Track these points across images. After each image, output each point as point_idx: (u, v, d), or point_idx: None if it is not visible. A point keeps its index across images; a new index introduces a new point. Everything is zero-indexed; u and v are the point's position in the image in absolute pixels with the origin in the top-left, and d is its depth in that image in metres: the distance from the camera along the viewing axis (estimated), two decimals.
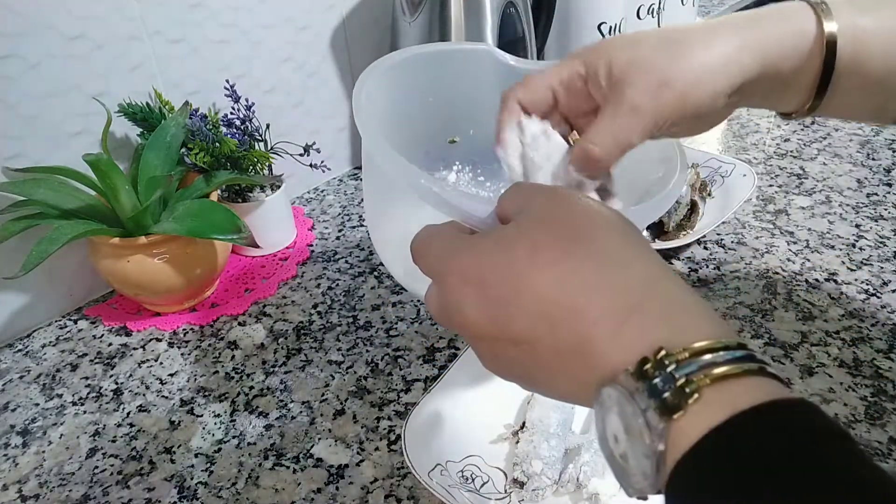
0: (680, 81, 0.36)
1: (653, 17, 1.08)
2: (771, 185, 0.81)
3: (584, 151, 0.37)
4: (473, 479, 0.47)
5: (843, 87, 0.38)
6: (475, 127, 0.58)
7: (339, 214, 0.82)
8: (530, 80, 0.40)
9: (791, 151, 0.88)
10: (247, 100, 0.70)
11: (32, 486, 0.51)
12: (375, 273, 0.72)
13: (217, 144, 0.66)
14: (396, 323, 0.65)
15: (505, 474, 0.48)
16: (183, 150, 0.67)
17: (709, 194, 0.76)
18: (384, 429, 0.54)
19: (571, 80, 0.39)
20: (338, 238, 0.78)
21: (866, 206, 0.77)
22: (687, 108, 0.36)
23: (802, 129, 0.93)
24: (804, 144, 0.90)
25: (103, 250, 0.61)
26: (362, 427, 0.54)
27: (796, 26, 0.37)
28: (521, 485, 0.47)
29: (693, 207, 0.73)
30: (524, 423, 0.51)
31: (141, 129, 0.67)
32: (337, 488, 0.49)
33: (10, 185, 0.60)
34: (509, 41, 0.78)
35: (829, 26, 0.37)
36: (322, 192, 0.87)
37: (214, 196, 0.67)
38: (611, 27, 1.01)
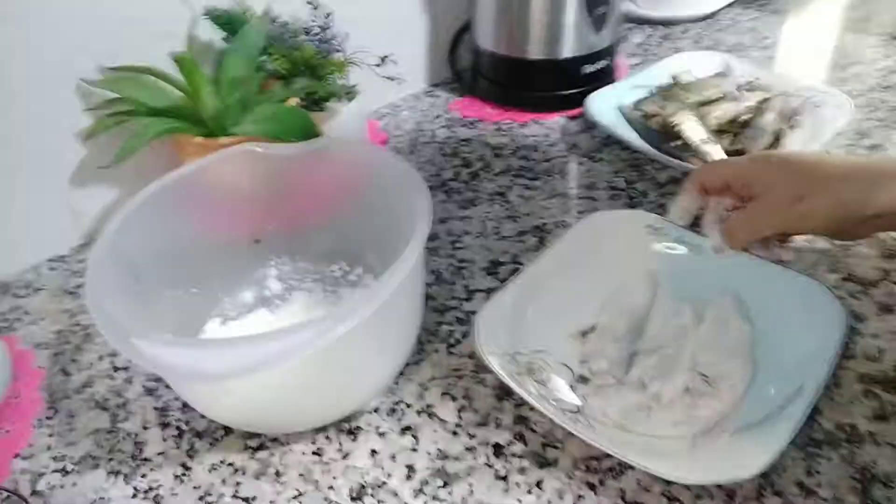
0: (811, 202, 0.44)
1: None
2: (869, 119, 0.76)
3: (727, 230, 0.49)
4: (541, 371, 0.49)
5: None
6: (275, 220, 0.58)
7: (413, 130, 0.83)
8: (710, 169, 0.52)
9: None
10: (326, 7, 0.70)
11: None
12: (445, 188, 0.72)
13: (296, 51, 0.67)
14: (462, 236, 0.66)
15: (571, 371, 0.49)
16: (263, 57, 0.68)
17: (797, 124, 0.72)
18: (444, 332, 0.56)
19: (739, 178, 0.49)
20: (411, 153, 0.79)
21: None
22: (813, 222, 0.46)
23: None
24: None
25: (187, 149, 0.64)
26: (424, 329, 0.56)
27: None
28: (586, 381, 0.48)
29: (778, 137, 0.70)
30: (594, 326, 0.52)
31: (224, 34, 0.68)
32: (396, 383, 0.52)
33: (105, 82, 0.63)
34: None
35: None
36: (397, 107, 0.88)
37: (292, 103, 0.68)
38: None
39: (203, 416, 0.50)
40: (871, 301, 0.55)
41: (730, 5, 1.05)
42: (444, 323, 0.57)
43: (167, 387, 0.53)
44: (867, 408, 0.47)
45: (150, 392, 0.53)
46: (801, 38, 0.96)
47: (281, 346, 0.36)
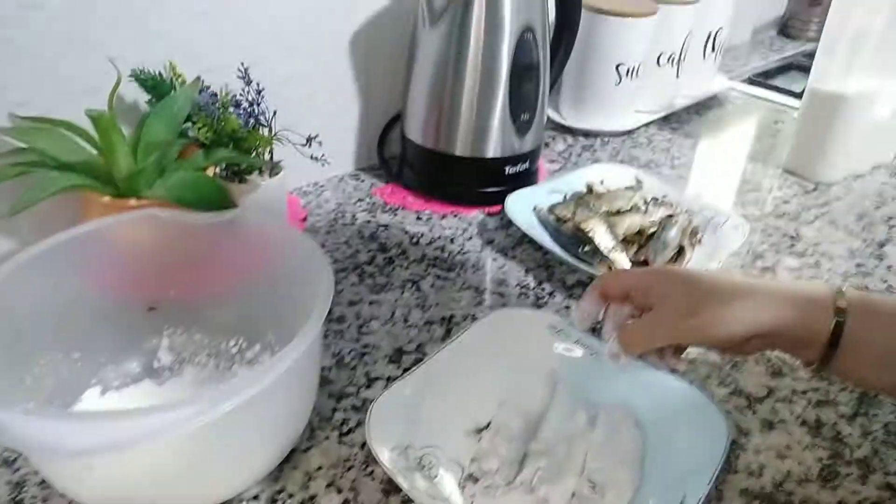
0: (702, 318, 0.47)
1: (672, 66, 1.10)
2: (763, 243, 0.82)
3: (623, 337, 0.51)
4: (430, 468, 0.47)
5: (852, 354, 0.46)
6: (174, 288, 0.56)
7: (334, 210, 0.83)
8: (613, 277, 0.55)
9: (788, 213, 0.89)
10: (258, 84, 0.71)
11: None
12: (358, 271, 0.72)
13: (221, 121, 0.67)
14: (370, 321, 0.65)
15: (462, 469, 0.49)
16: (188, 124, 0.68)
17: (699, 241, 0.77)
18: (338, 419, 0.54)
19: (638, 287, 0.51)
20: (328, 233, 0.79)
21: (854, 275, 0.77)
22: (705, 336, 0.48)
23: (805, 194, 0.94)
24: (803, 209, 0.90)
25: (94, 208, 0.61)
26: (316, 415, 0.54)
27: (812, 296, 0.47)
28: (475, 480, 0.47)
29: (680, 252, 0.73)
30: (489, 423, 0.51)
31: (150, 97, 0.68)
32: (280, 470, 0.49)
33: (13, 130, 0.61)
34: (524, 66, 0.79)
35: (841, 301, 0.46)
36: (321, 186, 0.88)
37: (211, 172, 0.68)
38: (628, 69, 1.03)
39: (63, 495, 0.46)
40: (756, 417, 0.57)
41: (647, 124, 1.12)
42: (338, 409, 0.55)
43: (27, 459, 0.49)
44: None
45: (6, 464, 0.48)
46: (709, 162, 1.03)
47: (152, 424, 0.34)
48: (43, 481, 0.47)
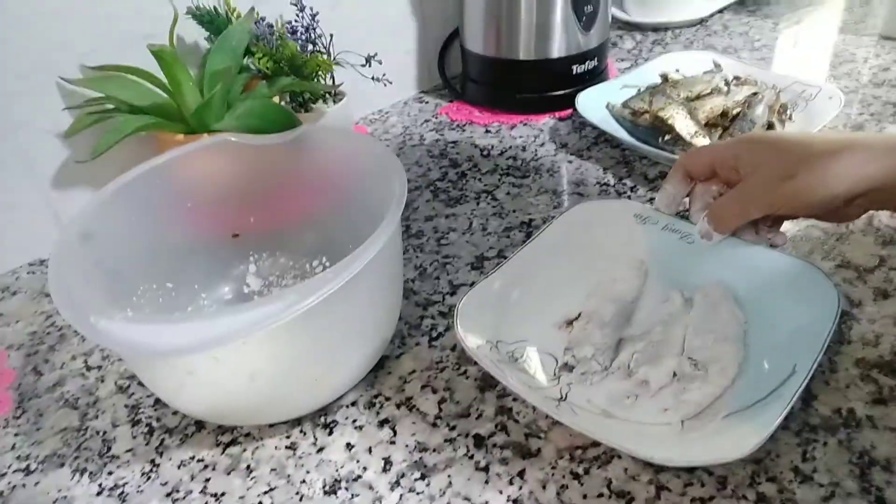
0: (800, 179, 0.44)
1: None
2: (862, 114, 0.75)
3: (713, 213, 0.49)
4: (524, 360, 0.47)
5: None
6: (255, 214, 0.57)
7: (401, 134, 0.82)
8: (696, 154, 0.51)
9: (890, 80, 0.81)
10: (311, 8, 0.70)
11: None
12: (432, 188, 0.71)
13: (280, 50, 0.67)
14: (448, 233, 0.64)
15: (556, 360, 0.48)
16: (248, 58, 0.68)
17: (789, 118, 0.71)
18: (427, 326, 0.54)
19: (725, 160, 0.48)
20: (398, 155, 0.78)
21: None
22: (802, 200, 0.44)
23: None
24: None
25: (169, 147, 0.62)
26: (405, 323, 0.54)
27: None
28: (571, 368, 0.46)
29: (769, 129, 0.68)
30: (580, 314, 0.50)
31: (208, 34, 0.68)
32: (375, 376, 0.50)
33: (86, 81, 0.63)
34: None
35: None
36: (386, 113, 0.87)
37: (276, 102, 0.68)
38: None
39: (175, 413, 0.49)
40: (868, 287, 0.53)
41: (721, 11, 1.04)
42: (426, 317, 0.55)
43: (140, 384, 0.51)
44: (865, 392, 0.45)
45: (122, 389, 0.51)
46: (794, 41, 0.95)
47: (241, 321, 0.35)
48: (156, 402, 0.50)
